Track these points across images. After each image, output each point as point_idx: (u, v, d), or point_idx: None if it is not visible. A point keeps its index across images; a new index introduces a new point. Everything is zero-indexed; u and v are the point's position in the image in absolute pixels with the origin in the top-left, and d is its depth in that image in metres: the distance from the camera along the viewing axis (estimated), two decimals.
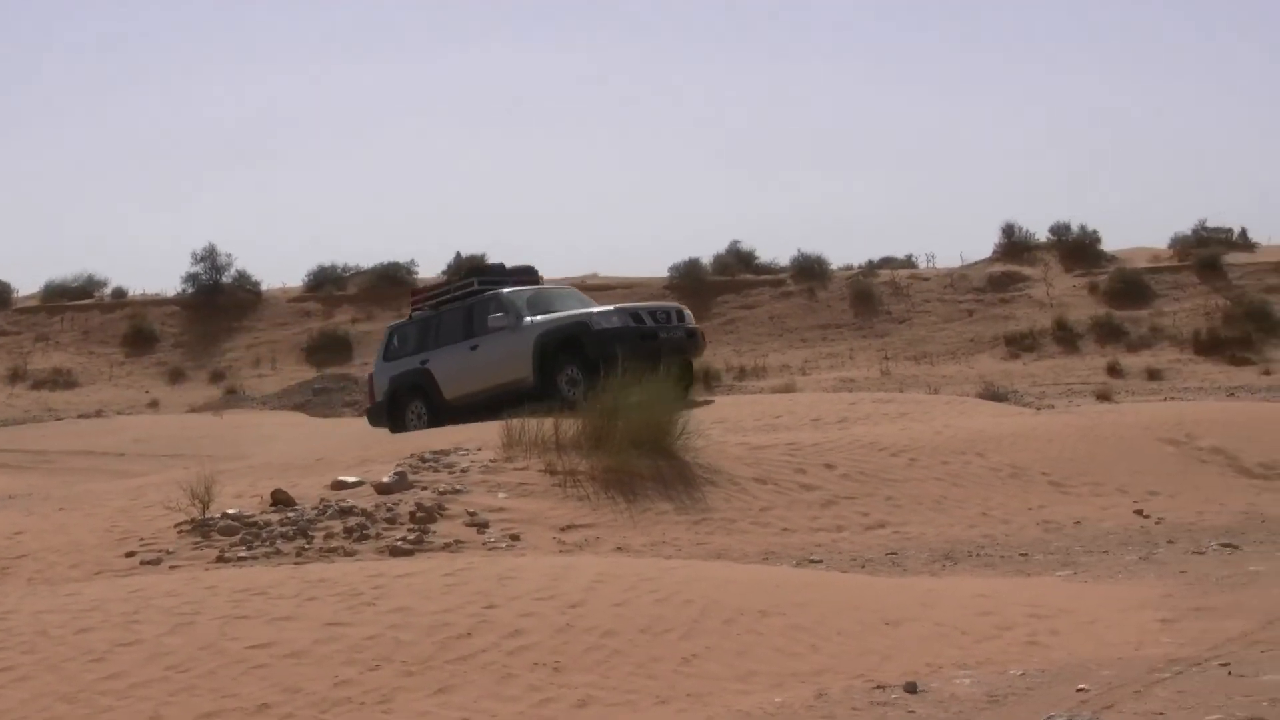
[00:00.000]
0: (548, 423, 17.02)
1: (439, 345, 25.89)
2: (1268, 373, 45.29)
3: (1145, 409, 23.27)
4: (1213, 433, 19.36)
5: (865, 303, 55.34)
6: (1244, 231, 55.94)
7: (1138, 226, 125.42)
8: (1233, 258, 53.35)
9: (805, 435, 18.62)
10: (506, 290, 25.49)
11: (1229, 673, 8.97)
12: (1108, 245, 55.79)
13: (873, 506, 16.27)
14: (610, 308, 24.37)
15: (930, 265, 59.81)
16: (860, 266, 60.03)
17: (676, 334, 24.04)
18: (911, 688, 8.60)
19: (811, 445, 17.85)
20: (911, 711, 8.17)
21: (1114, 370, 45.85)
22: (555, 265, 69.93)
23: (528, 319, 24.62)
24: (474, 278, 26.35)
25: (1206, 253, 53.12)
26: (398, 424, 25.70)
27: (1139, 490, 17.43)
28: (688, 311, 25.15)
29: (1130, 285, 51.87)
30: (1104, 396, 37.74)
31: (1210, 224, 55.59)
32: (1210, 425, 19.61)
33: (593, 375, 22.42)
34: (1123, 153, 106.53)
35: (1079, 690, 8.59)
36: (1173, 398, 35.66)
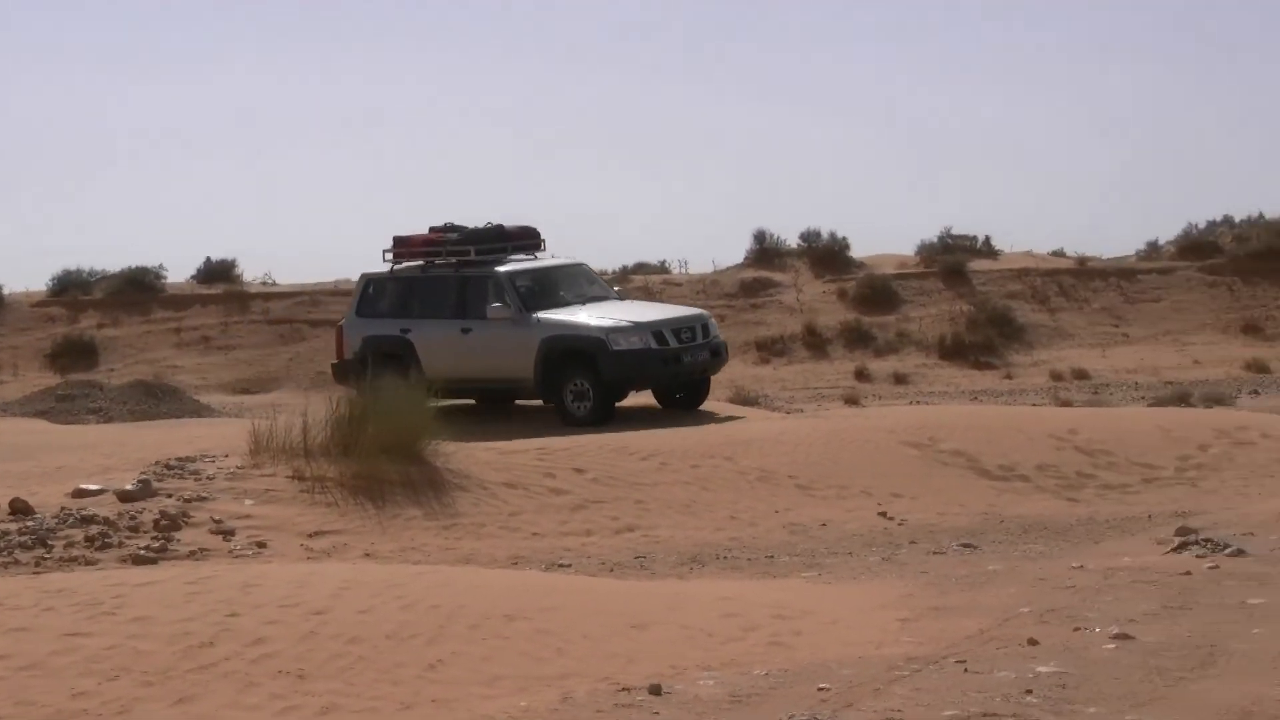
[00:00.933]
0: (296, 429, 16.82)
1: (424, 315, 23.37)
2: (1009, 377, 46.40)
3: (890, 413, 23.70)
4: (954, 436, 19.77)
5: None
6: (988, 239, 57.19)
7: (886, 234, 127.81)
8: (977, 265, 54.54)
9: (555, 440, 18.67)
10: (508, 272, 23.00)
11: (965, 670, 9.18)
12: (857, 252, 56.65)
13: (622, 510, 16.37)
14: (629, 322, 22.35)
15: (683, 271, 60.29)
16: (615, 272, 60.28)
17: (700, 355, 22.59)
18: (656, 690, 8.67)
19: (562, 450, 17.90)
20: (656, 714, 8.24)
21: (862, 374, 46.60)
22: (306, 271, 69.18)
23: (535, 316, 22.51)
24: (469, 244, 23.44)
25: (952, 260, 54.20)
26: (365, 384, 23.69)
27: (883, 493, 17.75)
28: (712, 321, 23.73)
29: (878, 291, 52.75)
30: (851, 400, 38.36)
31: (955, 232, 56.79)
32: (952, 429, 20.03)
33: (605, 397, 21.89)
34: (872, 161, 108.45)
35: (820, 689, 8.73)
36: (918, 401, 36.38)
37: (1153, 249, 55.93)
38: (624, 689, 8.72)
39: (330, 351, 26.37)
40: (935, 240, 56.88)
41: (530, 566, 14.06)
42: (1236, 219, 55.94)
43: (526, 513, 16.08)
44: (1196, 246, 54.44)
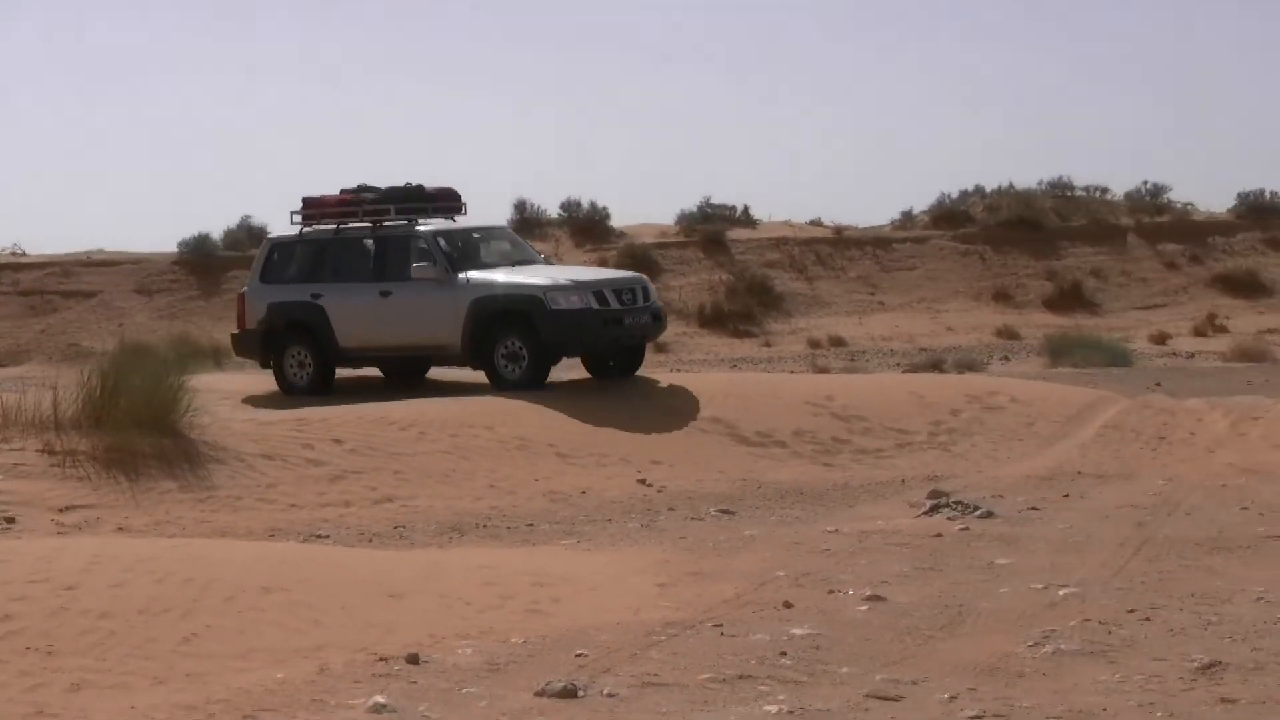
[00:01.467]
0: (46, 402, 16.41)
1: (337, 278, 21.58)
2: (768, 345, 46.97)
3: (651, 381, 23.80)
4: (713, 403, 19.95)
5: None
6: (746, 209, 57.75)
7: (646, 204, 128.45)
8: (736, 234, 55.07)
9: (313, 410, 18.47)
10: (431, 231, 21.32)
11: (721, 633, 9.29)
12: (617, 222, 56.88)
13: (381, 481, 16.25)
14: (568, 280, 20.88)
15: None
16: None
17: (642, 318, 20.95)
18: (414, 659, 8.64)
19: (320, 421, 17.70)
20: (413, 683, 8.21)
21: None
22: (56, 242, 67.53)
23: (461, 276, 20.80)
24: (388, 203, 21.57)
25: (711, 229, 54.66)
26: (275, 366, 21.62)
27: (642, 460, 17.85)
28: (651, 286, 22.14)
29: (639, 261, 52.92)
30: None
31: (715, 201, 57.28)
32: (711, 395, 20.20)
33: (542, 359, 20.42)
34: (632, 132, 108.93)
35: (578, 655, 8.77)
36: (678, 369, 36.61)
37: (907, 218, 56.88)
38: (381, 659, 8.67)
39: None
40: (695, 210, 57.27)
41: (287, 538, 13.90)
42: (987, 189, 57.10)
43: (284, 484, 15.88)
44: (949, 216, 55.51)
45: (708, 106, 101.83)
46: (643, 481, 17.05)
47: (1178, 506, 14.33)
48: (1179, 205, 55.83)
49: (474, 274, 20.82)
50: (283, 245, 22.36)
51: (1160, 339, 41.19)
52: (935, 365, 36.07)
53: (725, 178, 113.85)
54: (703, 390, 20.71)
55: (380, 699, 7.70)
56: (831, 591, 10.56)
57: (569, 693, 7.84)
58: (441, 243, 21.14)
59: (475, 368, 20.91)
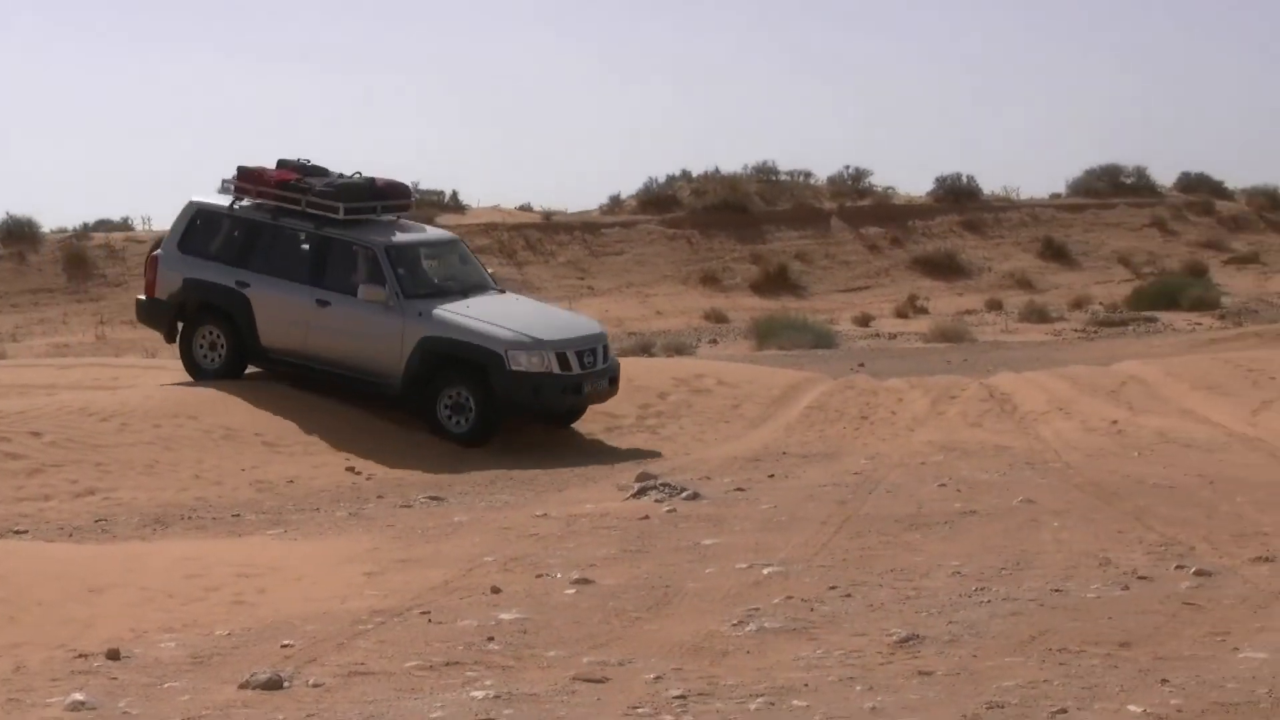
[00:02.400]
0: None
1: (269, 270, 19.24)
2: None
3: None
4: None
5: (79, 267, 53.78)
6: (455, 194, 57.63)
7: None
8: (445, 219, 54.89)
9: (10, 403, 17.95)
10: (384, 245, 18.92)
11: (429, 620, 9.25)
12: None
13: (82, 473, 15.86)
14: (529, 338, 18.45)
15: (147, 228, 58.80)
16: (75, 229, 58.32)
17: (601, 384, 19.11)
18: (114, 654, 8.45)
19: (17, 413, 17.21)
20: (114, 679, 8.03)
21: None
22: None
23: (412, 306, 18.59)
24: (339, 200, 19.02)
25: (419, 214, 54.52)
26: (182, 343, 19.68)
27: (352, 448, 17.71)
28: (608, 340, 19.98)
29: None
30: None
31: (423, 186, 57.05)
32: None
33: (490, 417, 18.40)
34: (336, 112, 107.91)
35: (284, 646, 8.66)
36: None
37: (615, 203, 57.24)
38: (81, 655, 8.47)
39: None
40: None
41: None
42: (694, 173, 57.71)
43: None
44: (657, 200, 55.97)
45: (417, 91, 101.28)
46: (352, 470, 16.92)
47: (879, 484, 14.66)
48: (880, 189, 57.07)
49: (428, 307, 18.63)
50: (208, 214, 19.81)
51: (863, 321, 42.06)
52: (645, 349, 36.39)
53: (434, 162, 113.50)
54: None
55: (79, 696, 7.52)
56: (540, 575, 10.60)
57: (274, 684, 7.74)
58: (394, 262, 18.88)
59: (412, 409, 18.75)
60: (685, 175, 57.66)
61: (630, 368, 21.92)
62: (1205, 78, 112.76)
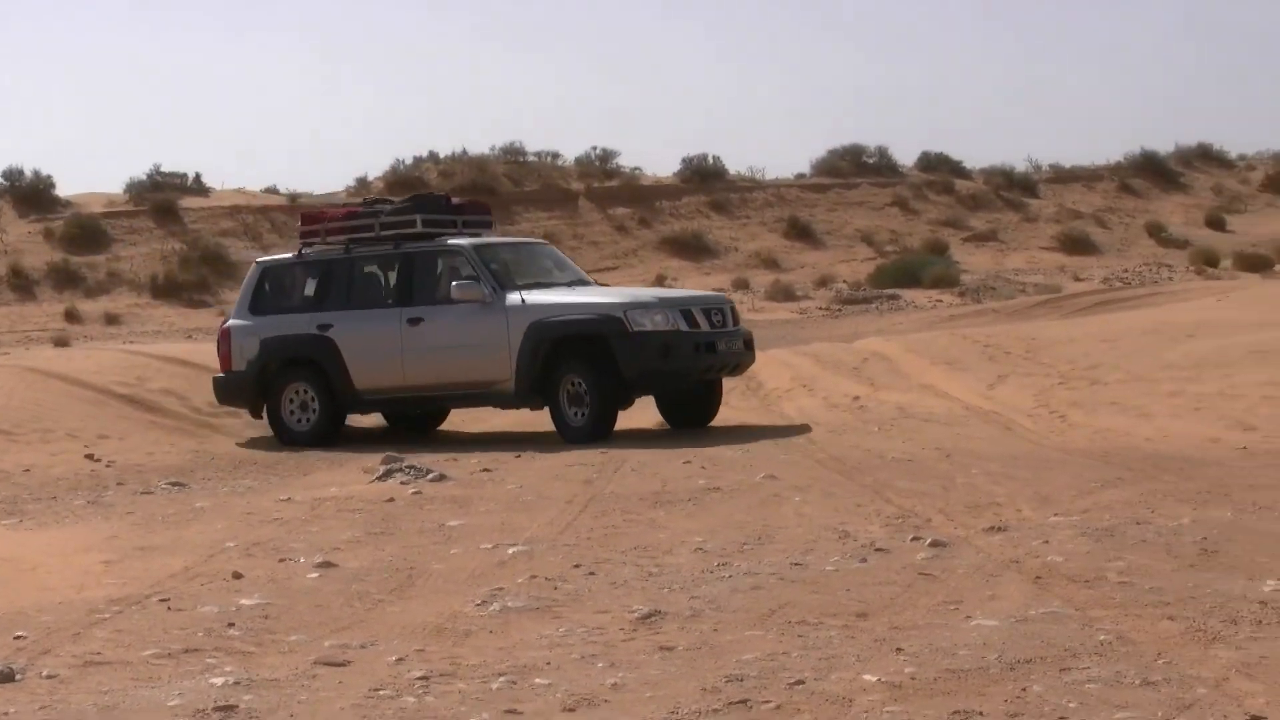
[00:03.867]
0: None
1: (350, 304, 17.89)
2: (223, 315, 46.26)
3: (97, 354, 23.16)
4: (162, 375, 19.57)
5: None
6: (198, 177, 56.74)
7: (93, 172, 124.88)
8: (188, 203, 54.04)
9: None
10: (471, 244, 17.68)
11: (168, 608, 9.11)
12: (63, 191, 55.11)
13: None
14: (651, 297, 17.59)
15: None
16: None
17: (735, 343, 17.40)
18: None
19: None
20: None
21: (72, 316, 45.41)
22: None
23: (513, 296, 17.14)
24: (415, 211, 18.08)
25: (162, 198, 53.49)
26: (270, 411, 18.06)
27: (90, 435, 17.37)
28: (736, 308, 18.52)
29: (87, 231, 51.49)
30: (62, 343, 37.24)
31: (165, 169, 56.06)
32: (160, 368, 19.81)
33: (616, 396, 16.85)
34: (80, 99, 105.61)
35: (17, 638, 8.46)
36: (133, 341, 35.69)
37: (362, 185, 56.82)
38: None
39: None
40: (144, 178, 55.92)
41: None
42: (441, 155, 57.53)
43: None
44: (404, 182, 55.64)
45: (155, 73, 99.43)
46: (90, 457, 16.59)
47: (625, 463, 14.75)
48: (627, 170, 57.42)
49: (528, 293, 17.29)
50: (275, 270, 18.67)
51: None
52: None
53: (175, 146, 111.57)
54: (150, 362, 20.28)
55: None
56: (282, 560, 10.49)
57: (5, 677, 7.55)
58: (485, 253, 17.62)
59: (535, 407, 17.44)
60: (433, 157, 57.49)
61: None
62: (943, 59, 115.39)
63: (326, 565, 10.21)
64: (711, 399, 17.85)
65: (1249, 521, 10.33)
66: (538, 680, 7.14)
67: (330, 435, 17.83)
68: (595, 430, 16.63)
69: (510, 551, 10.45)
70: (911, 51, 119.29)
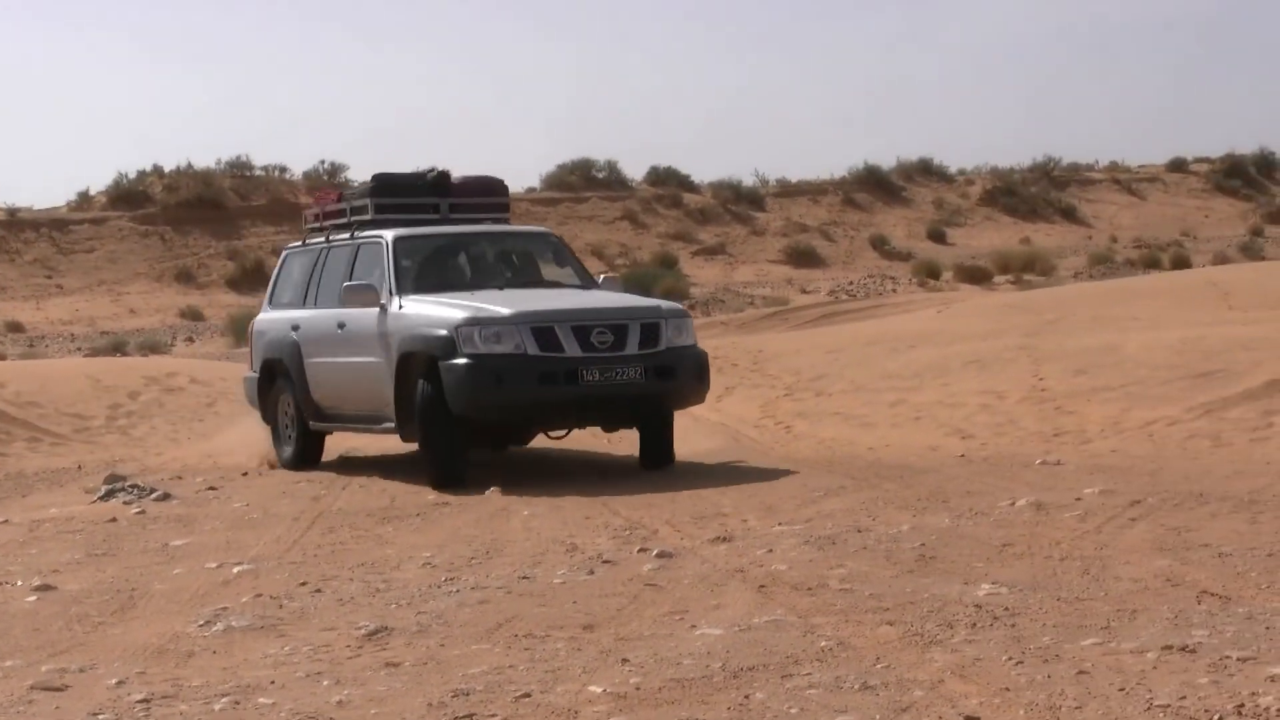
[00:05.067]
0: None
1: (319, 303, 15.64)
2: None
3: None
4: None
5: None
6: None
7: None
8: None
9: None
10: (395, 234, 14.89)
11: None
12: None
13: None
14: (506, 312, 13.64)
15: None
16: None
17: (624, 373, 13.65)
18: None
19: None
20: None
21: None
22: None
23: (400, 302, 14.34)
24: (371, 195, 15.62)
25: None
26: (272, 423, 16.24)
27: None
28: (676, 319, 14.19)
29: None
30: None
31: None
32: None
33: (450, 435, 13.74)
34: None
35: None
36: None
37: (84, 199, 55.64)
38: None
39: None
40: None
41: None
42: (166, 169, 56.60)
43: None
44: (128, 196, 54.65)
45: None
46: None
47: (353, 480, 14.65)
48: (357, 184, 57.03)
49: (419, 299, 14.25)
50: (289, 258, 16.70)
51: None
52: (118, 348, 35.56)
53: None
54: None
55: None
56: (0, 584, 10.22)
57: None
58: (400, 253, 14.73)
59: (409, 441, 14.68)
60: (157, 170, 56.50)
61: (98, 367, 21.37)
62: (669, 73, 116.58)
63: (45, 588, 9.97)
64: (654, 434, 14.55)
65: (965, 527, 10.60)
66: (261, 700, 7.06)
67: (309, 458, 15.90)
68: (444, 478, 13.79)
69: (235, 570, 10.31)
70: (642, 65, 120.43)
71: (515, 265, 15.67)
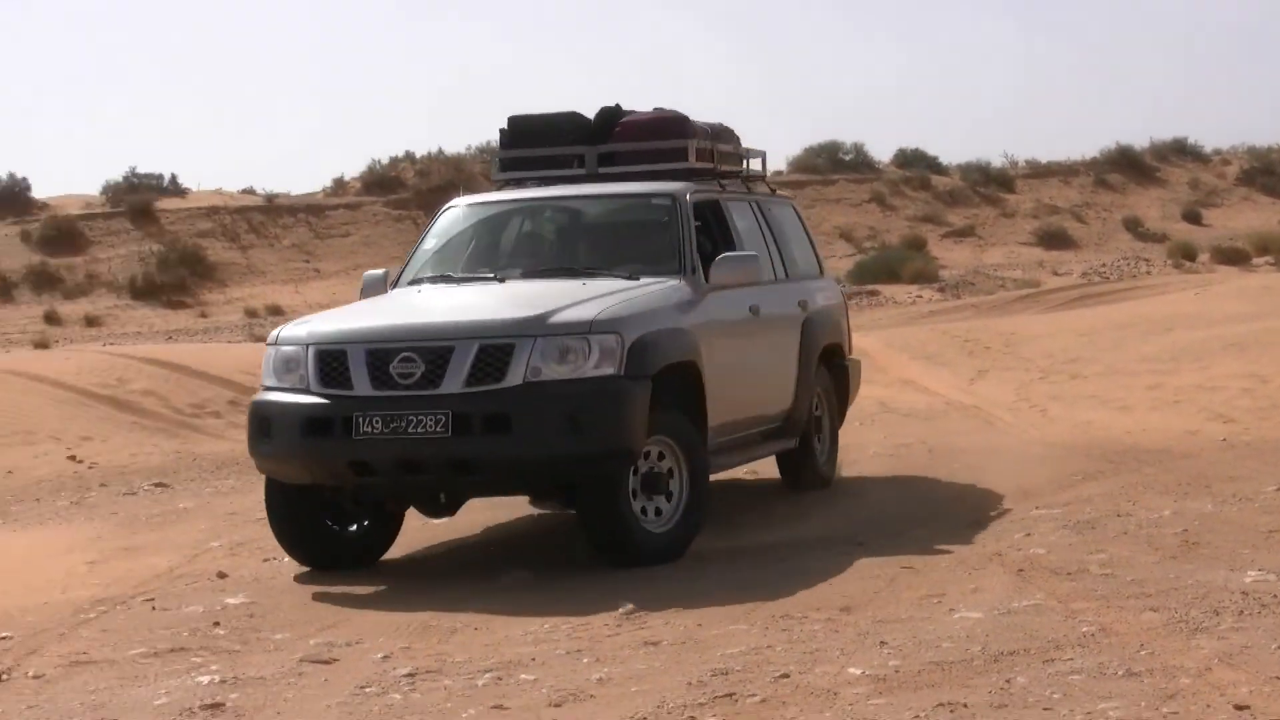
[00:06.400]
0: None
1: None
2: (204, 315, 46.22)
3: (80, 356, 23.13)
4: (143, 376, 19.53)
5: None
6: (174, 178, 56.71)
7: (70, 174, 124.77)
8: (165, 204, 53.97)
9: None
10: (467, 201, 11.84)
11: (153, 607, 9.13)
12: (39, 193, 55.06)
13: None
14: (302, 331, 9.97)
15: None
16: None
17: (419, 422, 9.28)
18: None
19: None
20: None
21: (52, 318, 45.34)
22: None
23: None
24: (503, 145, 12.07)
25: (138, 199, 53.45)
26: None
27: (72, 436, 17.32)
28: (578, 326, 9.47)
29: (64, 233, 51.44)
30: (42, 345, 37.19)
31: (141, 171, 56.04)
32: (141, 369, 19.77)
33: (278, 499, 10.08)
34: (55, 101, 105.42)
35: (2, 639, 8.48)
36: (111, 343, 35.65)
37: (339, 185, 56.80)
38: None
39: None
40: (121, 180, 55.89)
41: None
42: (418, 154, 57.55)
43: None
44: (381, 181, 55.66)
45: (130, 75, 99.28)
46: (73, 458, 16.54)
47: None
48: None
49: (401, 291, 11.17)
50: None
51: None
52: None
53: (151, 147, 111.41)
54: (131, 363, 20.26)
55: None
56: (267, 560, 10.50)
57: None
58: (442, 224, 11.69)
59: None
60: (409, 156, 57.47)
61: None
62: (921, 55, 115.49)
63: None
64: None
65: (1229, 513, 10.38)
66: (523, 675, 7.18)
67: None
68: (295, 555, 10.29)
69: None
70: (888, 48, 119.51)
71: (598, 244, 11.34)
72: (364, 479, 9.55)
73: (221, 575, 9.96)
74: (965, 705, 6.36)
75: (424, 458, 9.32)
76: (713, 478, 10.45)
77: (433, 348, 9.40)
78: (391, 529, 10.47)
